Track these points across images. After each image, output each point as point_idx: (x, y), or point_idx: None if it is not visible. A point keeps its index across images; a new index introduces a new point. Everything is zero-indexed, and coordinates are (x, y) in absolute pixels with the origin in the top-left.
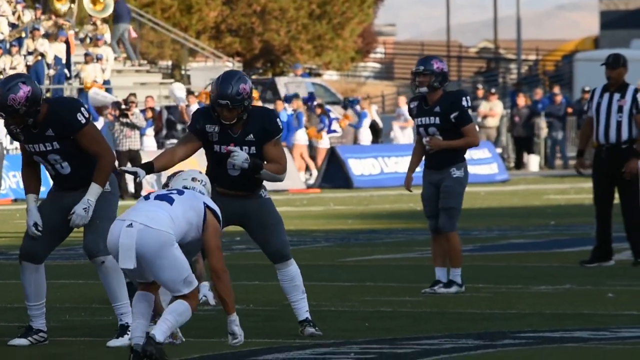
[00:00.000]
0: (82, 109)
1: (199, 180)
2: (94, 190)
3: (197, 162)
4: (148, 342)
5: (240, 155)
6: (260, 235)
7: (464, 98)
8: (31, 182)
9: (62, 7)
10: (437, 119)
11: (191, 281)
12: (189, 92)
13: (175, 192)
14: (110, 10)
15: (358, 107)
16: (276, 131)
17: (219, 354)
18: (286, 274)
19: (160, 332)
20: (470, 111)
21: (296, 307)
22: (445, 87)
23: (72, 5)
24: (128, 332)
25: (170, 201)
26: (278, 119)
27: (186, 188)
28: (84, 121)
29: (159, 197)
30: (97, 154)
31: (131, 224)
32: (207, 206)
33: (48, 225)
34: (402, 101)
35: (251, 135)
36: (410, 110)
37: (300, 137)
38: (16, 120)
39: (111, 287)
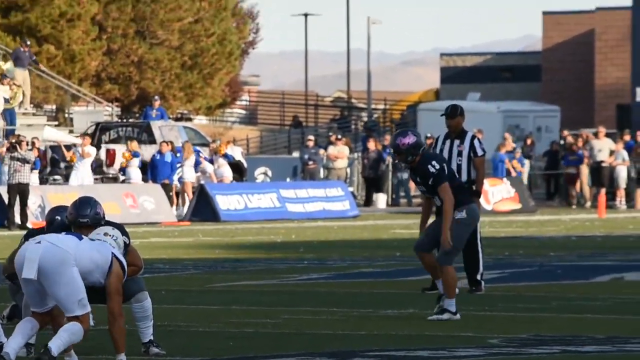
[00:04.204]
0: None
1: (110, 235)
2: None
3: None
4: (44, 352)
5: None
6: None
7: (429, 166)
8: None
9: None
10: (422, 187)
11: (85, 304)
12: (85, 134)
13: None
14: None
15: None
16: (126, 246)
17: None
18: (142, 307)
19: (55, 346)
20: (443, 170)
21: (144, 332)
22: (423, 150)
23: None
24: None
25: (80, 238)
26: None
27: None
28: None
29: (70, 234)
30: None
31: (40, 241)
32: (114, 255)
33: None
34: None
35: None
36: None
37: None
38: None
39: None
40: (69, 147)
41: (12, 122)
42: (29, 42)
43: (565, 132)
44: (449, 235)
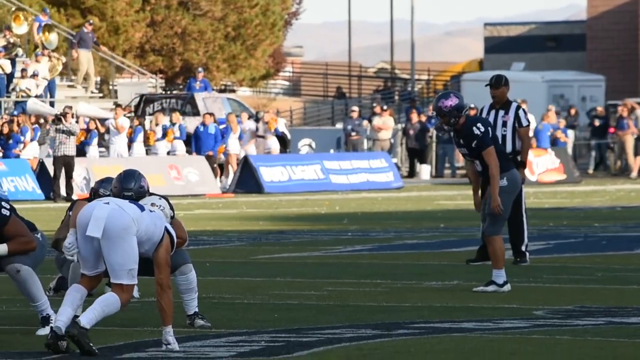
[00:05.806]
0: (3, 203)
1: (157, 206)
2: (1, 248)
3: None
4: (73, 325)
5: None
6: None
7: (474, 128)
8: None
9: (19, 28)
10: (465, 149)
11: (134, 276)
12: (117, 105)
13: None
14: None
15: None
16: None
17: (140, 341)
18: (186, 279)
19: (86, 318)
20: (488, 133)
21: (189, 304)
22: (466, 113)
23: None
24: (51, 321)
25: (142, 209)
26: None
27: None
28: (8, 214)
29: (134, 203)
30: (23, 239)
31: (108, 202)
32: (166, 229)
33: None
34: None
35: None
36: (452, 139)
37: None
38: None
39: (30, 292)
40: (103, 121)
41: (51, 93)
42: (92, 22)
43: (599, 108)
44: (499, 201)
